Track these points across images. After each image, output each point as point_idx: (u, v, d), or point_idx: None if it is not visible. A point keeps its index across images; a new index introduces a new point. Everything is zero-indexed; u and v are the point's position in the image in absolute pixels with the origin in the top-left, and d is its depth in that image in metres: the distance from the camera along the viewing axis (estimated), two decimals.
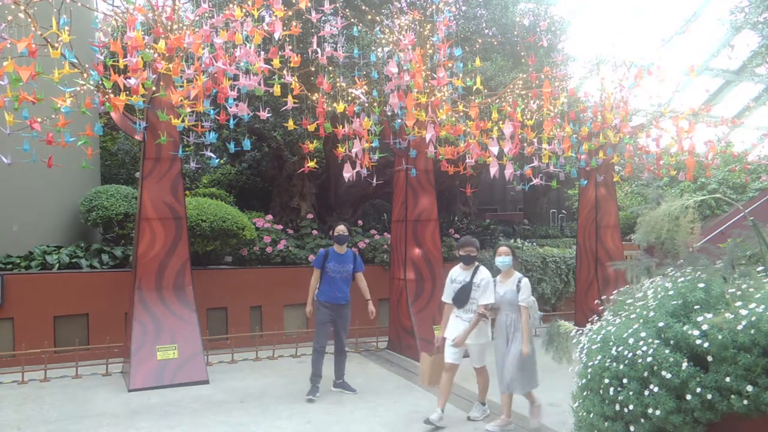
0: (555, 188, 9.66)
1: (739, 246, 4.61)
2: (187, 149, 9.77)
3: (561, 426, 5.26)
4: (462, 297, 5.32)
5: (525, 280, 5.29)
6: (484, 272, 5.34)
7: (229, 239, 8.80)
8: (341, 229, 6.41)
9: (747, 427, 3.44)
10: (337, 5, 7.03)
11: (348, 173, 7.39)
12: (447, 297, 5.48)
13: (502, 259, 5.35)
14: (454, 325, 5.38)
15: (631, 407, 3.60)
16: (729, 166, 13.90)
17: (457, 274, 5.42)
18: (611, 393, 3.75)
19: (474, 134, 7.31)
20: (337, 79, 7.68)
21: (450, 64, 7.40)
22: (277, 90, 6.60)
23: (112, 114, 6.77)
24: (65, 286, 7.89)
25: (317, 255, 6.56)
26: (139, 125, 6.78)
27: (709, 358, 3.46)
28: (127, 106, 6.33)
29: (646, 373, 3.59)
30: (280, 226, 10.13)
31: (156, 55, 6.28)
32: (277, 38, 6.34)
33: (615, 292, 4.60)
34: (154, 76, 6.50)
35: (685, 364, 3.50)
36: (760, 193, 13.32)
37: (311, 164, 7.62)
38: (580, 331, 4.21)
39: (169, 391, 6.46)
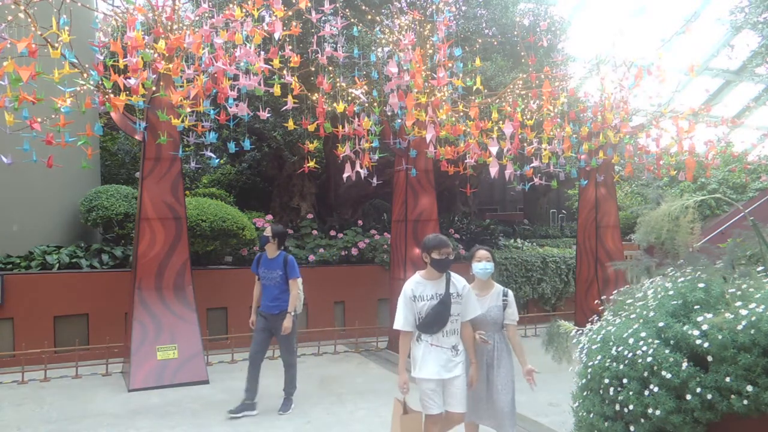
0: (555, 188, 9.66)
1: (739, 246, 4.61)
2: (187, 149, 9.77)
3: (561, 426, 5.26)
4: (439, 317, 3.85)
5: (510, 293, 4.35)
6: (460, 279, 4.02)
7: (229, 239, 8.80)
8: (266, 230, 5.83)
9: (747, 427, 3.44)
10: (337, 5, 7.03)
11: (348, 173, 7.39)
12: (407, 323, 3.89)
13: (483, 266, 4.21)
14: (433, 357, 3.87)
15: (631, 407, 3.60)
16: (729, 166, 13.90)
17: (423, 288, 3.90)
18: (611, 393, 3.75)
19: (474, 134, 7.31)
20: (337, 79, 7.68)
21: (450, 64, 7.40)
22: (277, 90, 6.60)
23: (112, 114, 6.77)
24: (65, 286, 7.89)
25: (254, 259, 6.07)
26: (139, 125, 6.78)
27: (709, 358, 3.46)
28: (127, 106, 6.33)
29: (646, 373, 3.59)
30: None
31: (156, 55, 6.28)
32: (277, 38, 6.34)
33: (615, 292, 4.60)
34: (154, 76, 6.50)
35: (685, 364, 3.50)
36: (760, 193, 13.31)
37: (311, 164, 7.62)
38: (580, 331, 4.20)
39: (169, 391, 6.46)
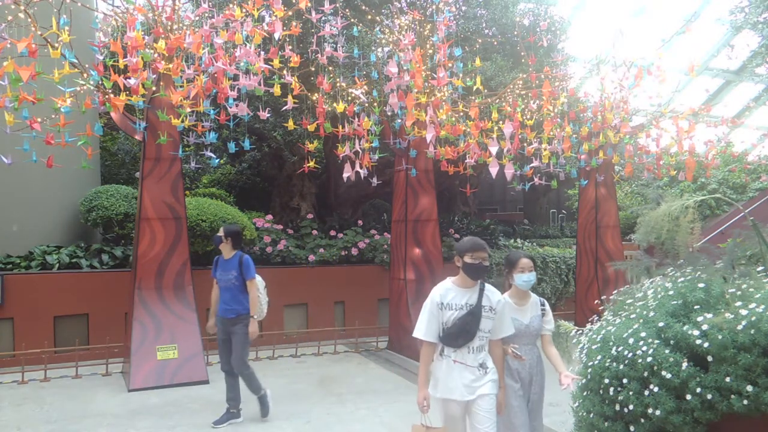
0: (555, 188, 9.66)
1: (739, 246, 4.61)
2: (187, 149, 9.77)
3: (561, 426, 5.26)
4: (466, 330, 3.40)
5: (545, 302, 4.06)
6: (496, 292, 3.59)
7: None
8: (221, 230, 5.52)
9: (747, 427, 3.44)
10: (337, 5, 7.03)
11: (348, 173, 7.39)
12: (430, 332, 3.43)
13: (528, 278, 3.80)
14: (456, 375, 3.43)
15: (631, 407, 3.61)
16: (729, 166, 13.90)
17: (453, 296, 3.45)
18: (611, 393, 3.75)
19: (474, 134, 7.31)
20: (337, 79, 7.68)
21: (450, 64, 7.40)
22: (277, 90, 6.60)
23: (112, 114, 6.78)
24: (65, 286, 7.89)
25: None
26: (139, 125, 6.78)
27: (709, 358, 3.46)
28: (127, 106, 6.33)
29: (646, 373, 3.59)
30: (280, 226, 10.13)
31: (156, 55, 6.28)
32: (277, 38, 6.34)
33: (615, 292, 4.60)
34: (154, 76, 6.50)
35: (685, 364, 3.50)
36: (760, 193, 13.31)
37: (311, 164, 7.62)
38: (580, 331, 4.20)
39: (169, 391, 6.46)
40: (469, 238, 3.57)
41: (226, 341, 5.44)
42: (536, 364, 3.90)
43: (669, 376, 3.49)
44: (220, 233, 5.46)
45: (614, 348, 3.84)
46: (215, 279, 5.56)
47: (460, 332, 3.39)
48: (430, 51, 7.94)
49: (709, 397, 3.38)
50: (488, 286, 3.56)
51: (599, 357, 3.91)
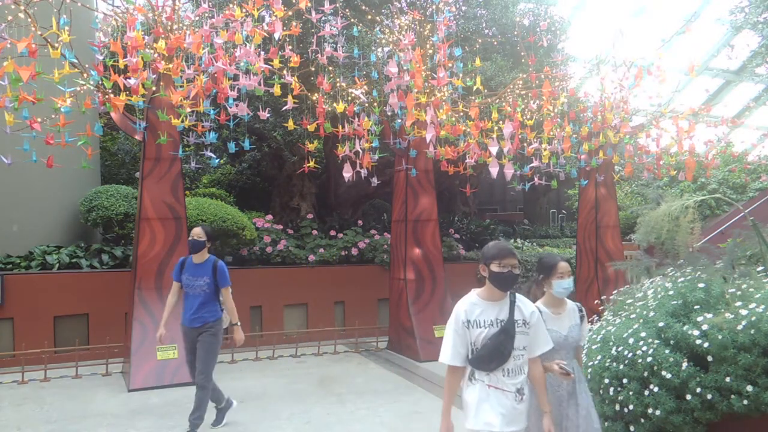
0: (555, 188, 9.66)
1: (739, 246, 4.61)
2: (187, 149, 9.77)
3: None
4: (499, 350, 2.95)
5: (582, 307, 3.61)
6: (528, 302, 3.15)
7: (229, 239, 8.80)
8: (196, 232, 5.05)
9: (747, 427, 3.44)
10: (337, 5, 7.03)
11: (348, 173, 7.39)
12: (456, 355, 3.01)
13: (568, 284, 3.40)
14: (492, 403, 2.96)
15: (631, 407, 3.61)
16: (729, 166, 13.90)
17: (480, 311, 3.01)
18: (611, 393, 3.75)
19: (474, 134, 7.31)
20: (337, 79, 7.68)
21: (450, 64, 7.40)
22: (277, 90, 6.60)
23: (112, 114, 6.78)
24: (65, 286, 7.89)
25: (176, 264, 5.27)
26: (139, 125, 6.78)
27: (709, 358, 3.46)
28: (127, 106, 6.33)
29: (646, 373, 3.59)
30: (280, 226, 10.13)
31: (156, 55, 6.28)
32: (277, 38, 6.34)
33: (615, 292, 4.60)
34: (154, 76, 6.50)
35: (685, 364, 3.50)
36: (760, 193, 13.31)
37: (311, 164, 7.62)
38: None
39: (169, 391, 6.46)
40: (495, 243, 3.10)
41: (192, 351, 5.03)
42: (579, 380, 3.43)
43: (669, 376, 3.49)
44: (201, 236, 5.01)
45: (614, 348, 3.84)
46: (178, 282, 5.14)
47: (493, 353, 2.94)
48: (430, 51, 7.94)
49: (709, 397, 3.38)
50: (519, 297, 3.12)
51: (599, 357, 3.92)
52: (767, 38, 13.61)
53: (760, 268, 4.11)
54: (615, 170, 9.51)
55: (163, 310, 5.41)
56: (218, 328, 5.03)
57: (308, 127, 7.28)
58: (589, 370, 3.93)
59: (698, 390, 3.43)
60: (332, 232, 10.53)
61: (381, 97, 7.72)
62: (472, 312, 3.00)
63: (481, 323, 2.97)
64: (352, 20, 7.65)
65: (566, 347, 3.37)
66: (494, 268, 2.97)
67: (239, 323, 5.10)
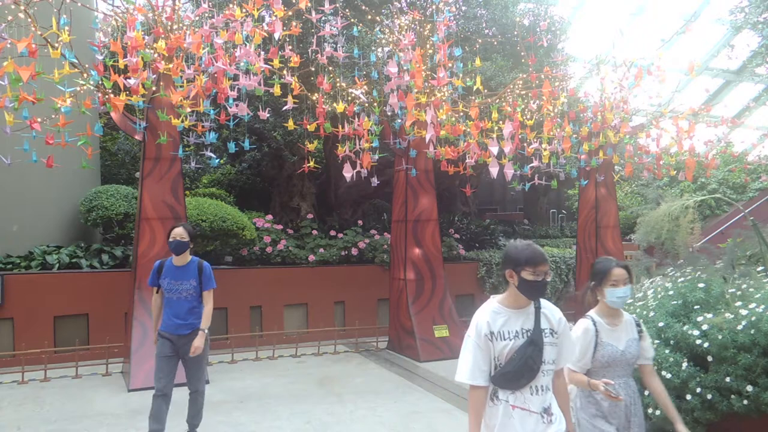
0: (555, 188, 9.66)
1: (739, 246, 4.61)
2: (187, 149, 9.77)
3: None
4: (528, 366, 2.58)
5: (641, 322, 3.22)
6: (553, 308, 2.78)
7: (229, 239, 8.80)
8: (179, 233, 4.66)
9: (747, 427, 3.44)
10: (337, 5, 7.03)
11: (348, 173, 7.39)
12: (478, 373, 2.62)
13: (624, 292, 3.06)
14: (516, 426, 2.60)
15: None
16: (729, 166, 13.90)
17: (504, 321, 2.65)
18: None
19: (474, 134, 7.31)
20: (337, 79, 7.68)
21: (450, 64, 7.40)
22: (277, 90, 6.60)
23: (112, 114, 6.77)
24: (65, 286, 7.89)
25: (152, 269, 4.87)
26: (139, 125, 6.78)
27: (709, 358, 3.46)
28: (127, 106, 6.33)
29: None
30: (280, 226, 10.14)
31: (156, 55, 6.28)
32: (277, 38, 6.34)
33: None
34: (154, 76, 6.51)
35: (685, 364, 3.50)
36: (760, 193, 13.32)
37: (311, 164, 7.62)
38: None
39: None
40: (524, 245, 2.66)
41: (166, 359, 4.70)
42: (634, 402, 3.06)
43: (669, 376, 3.49)
44: (184, 237, 4.65)
45: None
46: (157, 288, 4.78)
47: (521, 369, 2.56)
48: (430, 51, 7.94)
49: (709, 397, 3.38)
50: (544, 303, 2.75)
51: None
52: (767, 38, 13.61)
53: (760, 268, 4.12)
54: (615, 170, 9.51)
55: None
56: (207, 333, 4.77)
57: (308, 127, 7.28)
58: None
59: (698, 390, 3.43)
60: (332, 232, 10.54)
61: (381, 97, 7.72)
62: (495, 322, 2.63)
63: (505, 335, 2.61)
64: (352, 20, 7.65)
65: (622, 364, 3.04)
66: (526, 275, 2.58)
67: (206, 330, 4.75)
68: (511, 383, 2.59)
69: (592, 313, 3.12)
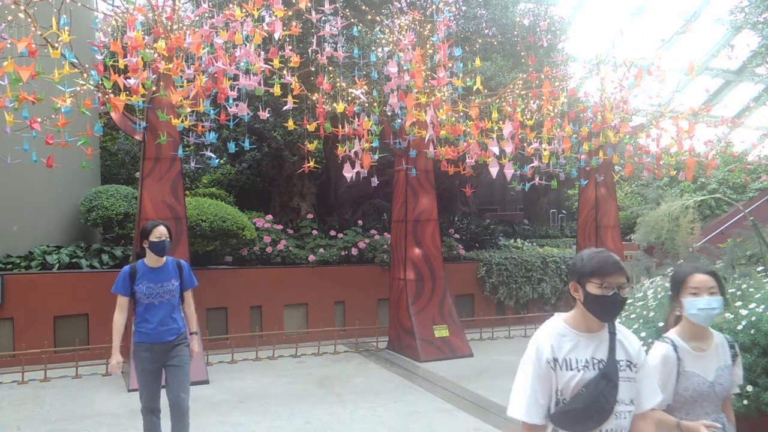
0: (555, 188, 9.66)
1: (739, 246, 4.61)
2: (187, 149, 9.77)
3: None
4: (602, 403, 2.05)
5: (735, 343, 2.63)
6: (631, 336, 2.22)
7: (229, 239, 8.80)
8: (162, 232, 4.27)
9: (747, 427, 3.44)
10: (337, 5, 7.03)
11: (348, 173, 7.39)
12: (536, 410, 2.09)
13: (708, 303, 2.42)
14: None
15: None
16: (729, 166, 13.91)
17: (572, 346, 2.12)
18: None
19: (474, 134, 7.31)
20: (337, 79, 7.68)
21: (450, 64, 7.40)
22: (277, 90, 6.60)
23: (112, 114, 6.77)
24: (65, 286, 7.89)
25: (118, 277, 4.27)
26: (139, 125, 6.78)
27: None
28: (127, 106, 6.33)
29: None
30: (280, 226, 10.14)
31: (156, 55, 6.28)
32: (277, 38, 6.34)
33: None
34: (154, 76, 6.50)
35: None
36: (760, 193, 13.32)
37: (311, 164, 7.62)
38: None
39: None
40: (593, 252, 2.15)
41: (151, 373, 4.26)
42: None
43: None
44: (165, 236, 4.27)
45: None
46: (127, 296, 4.24)
47: (590, 408, 2.04)
48: (430, 51, 7.94)
49: None
50: (621, 328, 2.19)
51: None
52: (767, 38, 13.61)
53: (760, 268, 4.12)
54: (615, 170, 9.52)
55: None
56: (188, 337, 4.40)
57: (308, 127, 7.28)
58: None
59: None
60: (332, 232, 10.54)
61: (381, 97, 7.72)
62: (561, 347, 2.10)
63: (572, 364, 2.08)
64: (352, 20, 7.65)
65: (711, 398, 2.42)
66: (593, 289, 2.07)
67: (197, 332, 4.50)
68: (575, 424, 2.07)
69: (671, 334, 2.48)
